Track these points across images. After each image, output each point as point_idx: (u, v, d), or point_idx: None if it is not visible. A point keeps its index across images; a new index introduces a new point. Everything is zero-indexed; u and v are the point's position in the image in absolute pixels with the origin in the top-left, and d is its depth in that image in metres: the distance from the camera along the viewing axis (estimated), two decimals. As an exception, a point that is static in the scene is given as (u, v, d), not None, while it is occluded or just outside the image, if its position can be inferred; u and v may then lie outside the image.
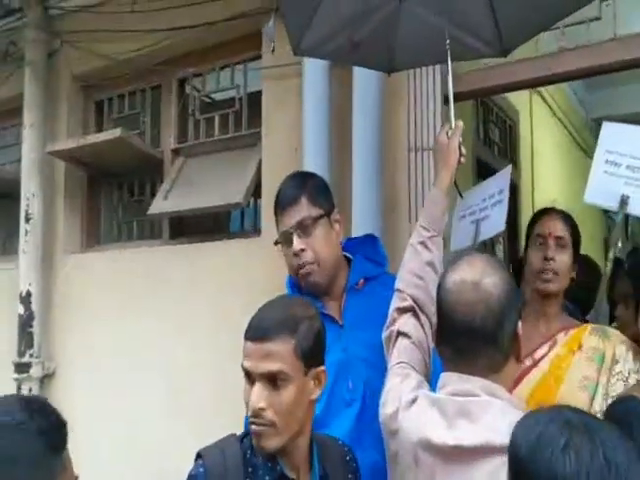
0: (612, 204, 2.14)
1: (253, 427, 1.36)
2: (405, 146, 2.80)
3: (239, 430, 1.51)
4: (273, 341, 1.36)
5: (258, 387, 1.35)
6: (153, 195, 3.65)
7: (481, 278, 1.33)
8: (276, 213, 1.94)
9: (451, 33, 1.89)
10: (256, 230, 3.30)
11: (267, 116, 3.27)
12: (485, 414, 1.27)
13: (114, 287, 3.61)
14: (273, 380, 1.35)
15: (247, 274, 3.10)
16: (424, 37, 2.00)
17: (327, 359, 1.69)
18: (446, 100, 2.76)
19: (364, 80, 2.73)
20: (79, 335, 3.74)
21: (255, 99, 3.41)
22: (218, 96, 3.74)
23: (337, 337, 1.75)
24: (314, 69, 2.91)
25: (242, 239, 3.32)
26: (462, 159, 1.79)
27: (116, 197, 4.01)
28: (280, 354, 1.35)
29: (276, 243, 1.94)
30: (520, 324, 1.34)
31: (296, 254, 1.84)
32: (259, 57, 3.39)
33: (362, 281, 1.89)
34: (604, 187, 2.15)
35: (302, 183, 1.93)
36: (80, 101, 4.11)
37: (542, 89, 4.96)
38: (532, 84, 3.17)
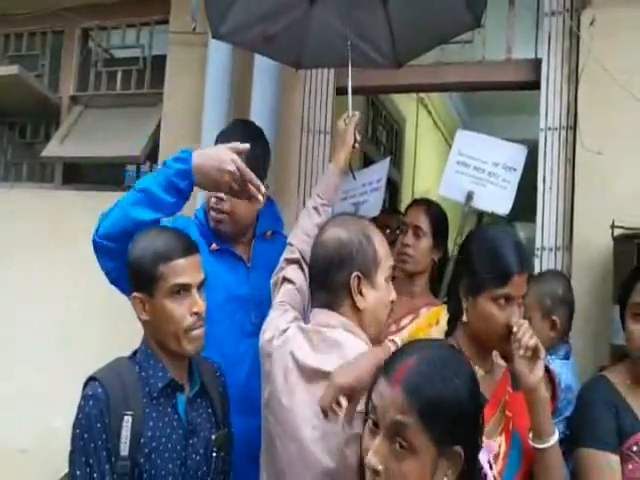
0: (460, 198, 2.51)
1: (195, 332, 1.52)
2: (298, 127, 3.11)
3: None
4: (198, 254, 1.57)
5: (198, 294, 1.53)
6: (47, 140, 3.66)
7: (327, 229, 1.61)
8: None
9: (352, 41, 2.17)
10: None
11: (170, 79, 3.39)
12: (339, 345, 1.50)
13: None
14: (200, 288, 1.55)
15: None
16: (329, 41, 2.28)
17: (231, 291, 1.96)
18: (338, 91, 3.12)
19: (265, 60, 2.88)
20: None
21: (158, 62, 3.52)
22: (122, 53, 3.80)
23: (244, 275, 2.00)
24: (219, 42, 3.04)
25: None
26: (356, 144, 2.06)
27: (6, 137, 3.96)
28: (201, 263, 1.59)
29: None
30: (356, 278, 1.52)
31: (216, 197, 1.97)
32: (166, 21, 3.50)
33: (270, 232, 2.12)
34: (455, 183, 2.52)
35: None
36: (-28, 33, 3.97)
37: (429, 105, 5.63)
38: (415, 89, 3.53)
